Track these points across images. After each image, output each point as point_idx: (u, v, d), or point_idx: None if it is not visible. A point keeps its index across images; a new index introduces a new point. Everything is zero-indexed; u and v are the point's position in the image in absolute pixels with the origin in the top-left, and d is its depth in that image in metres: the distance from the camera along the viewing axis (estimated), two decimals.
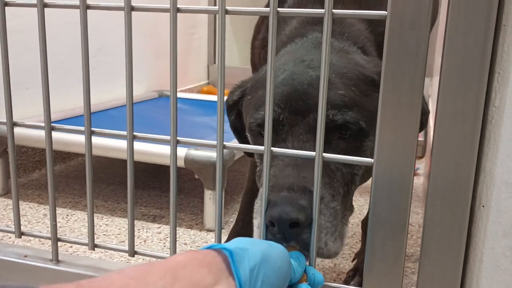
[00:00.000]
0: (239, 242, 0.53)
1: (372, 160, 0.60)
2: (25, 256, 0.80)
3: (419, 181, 1.75)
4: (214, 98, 2.24)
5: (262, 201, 0.64)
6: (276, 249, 0.56)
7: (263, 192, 0.64)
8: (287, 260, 0.56)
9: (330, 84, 0.70)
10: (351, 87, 0.71)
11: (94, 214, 1.38)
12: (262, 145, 0.65)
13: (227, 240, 1.09)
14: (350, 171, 0.72)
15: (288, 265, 0.56)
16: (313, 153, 0.62)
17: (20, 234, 0.82)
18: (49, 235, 0.79)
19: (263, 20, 1.06)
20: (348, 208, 0.73)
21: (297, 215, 0.60)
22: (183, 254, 0.49)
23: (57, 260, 0.79)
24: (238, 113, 0.87)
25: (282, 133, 0.71)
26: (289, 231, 0.61)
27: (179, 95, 2.24)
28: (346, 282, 1.01)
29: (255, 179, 0.84)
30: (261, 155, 0.70)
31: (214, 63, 3.00)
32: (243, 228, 1.08)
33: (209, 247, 0.52)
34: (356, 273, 1.03)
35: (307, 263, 0.63)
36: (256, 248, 0.52)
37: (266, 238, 0.64)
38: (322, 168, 0.62)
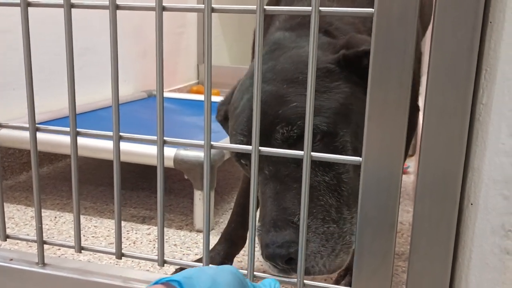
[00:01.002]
0: (186, 272, 0.52)
1: (360, 158, 0.60)
2: (11, 259, 0.79)
3: (409, 179, 1.76)
4: (203, 97, 2.23)
5: (251, 215, 0.64)
6: (227, 272, 0.54)
7: (251, 199, 0.64)
8: (239, 281, 0.54)
9: (282, 98, 0.70)
10: (303, 92, 0.69)
11: (83, 216, 1.37)
12: (248, 173, 0.70)
13: (219, 241, 1.09)
14: (334, 174, 0.70)
15: (240, 283, 0.53)
16: (301, 153, 0.61)
17: (5, 237, 0.80)
18: (35, 238, 0.77)
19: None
20: (348, 205, 0.71)
21: (288, 252, 0.65)
22: None
23: (43, 263, 0.78)
24: (225, 113, 0.88)
25: (260, 161, 0.70)
26: (288, 266, 0.66)
27: (168, 95, 2.23)
28: (337, 281, 1.00)
29: (249, 180, 0.83)
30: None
31: (204, 62, 2.99)
32: (235, 230, 1.08)
33: (156, 282, 0.50)
34: (347, 273, 1.02)
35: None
36: (206, 274, 0.51)
37: (274, 270, 0.69)
38: (309, 167, 0.61)
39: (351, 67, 0.72)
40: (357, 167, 0.74)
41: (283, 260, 0.66)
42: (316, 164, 0.70)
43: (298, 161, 0.68)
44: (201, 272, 0.51)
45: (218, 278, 0.51)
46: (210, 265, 0.61)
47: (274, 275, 0.68)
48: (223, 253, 1.06)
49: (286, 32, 0.81)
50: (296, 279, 0.65)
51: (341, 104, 0.71)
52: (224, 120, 0.88)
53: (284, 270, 0.68)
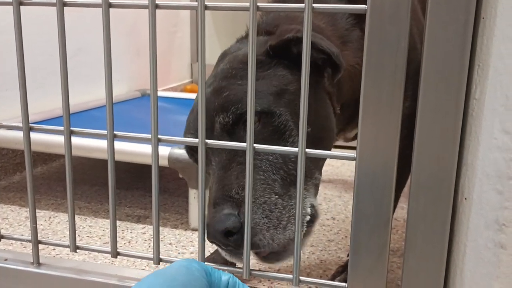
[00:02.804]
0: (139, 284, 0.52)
1: (354, 155, 0.60)
2: (5, 259, 0.79)
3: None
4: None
5: (246, 213, 0.64)
6: (163, 273, 0.53)
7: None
8: (184, 273, 0.53)
9: (218, 92, 0.75)
10: (237, 81, 0.74)
11: (78, 216, 1.37)
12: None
13: None
14: (279, 154, 0.72)
15: (189, 276, 0.53)
16: (296, 149, 0.61)
17: (0, 237, 0.80)
18: (29, 238, 0.77)
19: None
20: (305, 183, 0.72)
21: (225, 226, 0.65)
22: None
23: (38, 263, 0.77)
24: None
25: (207, 154, 0.74)
26: (229, 242, 0.66)
27: (162, 94, 2.22)
28: (334, 277, 1.01)
29: None
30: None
31: (197, 61, 2.98)
32: None
33: None
34: (345, 269, 1.03)
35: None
36: (148, 279, 0.51)
37: (223, 251, 0.70)
38: (304, 163, 0.61)
39: (280, 56, 0.77)
40: (309, 144, 0.75)
41: (221, 234, 0.65)
42: (259, 144, 0.71)
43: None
44: (147, 278, 0.51)
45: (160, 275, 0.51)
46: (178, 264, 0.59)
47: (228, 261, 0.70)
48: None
49: (234, 43, 0.89)
50: (291, 275, 0.65)
51: (274, 86, 0.74)
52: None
53: (233, 250, 0.68)
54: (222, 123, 0.73)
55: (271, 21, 0.87)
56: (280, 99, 0.74)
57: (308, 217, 0.72)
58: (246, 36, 0.89)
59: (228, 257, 0.71)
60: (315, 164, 0.77)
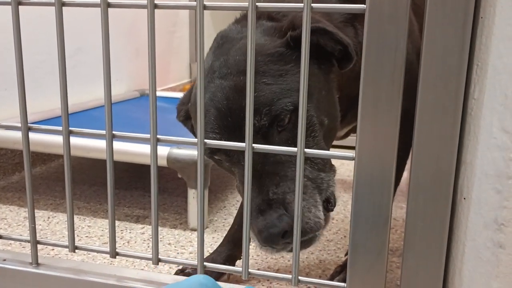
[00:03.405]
0: None
1: (353, 155, 0.60)
2: (4, 260, 0.79)
3: (403, 175, 1.76)
4: None
5: (245, 213, 0.65)
6: (188, 281, 0.53)
7: (245, 198, 0.64)
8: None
9: (242, 91, 0.70)
10: (262, 79, 0.71)
11: (77, 216, 1.37)
12: (222, 166, 0.76)
13: (222, 243, 1.08)
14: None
15: None
16: (294, 149, 0.61)
17: None
18: (28, 238, 0.77)
19: None
20: (330, 170, 0.75)
21: (281, 228, 0.66)
22: None
23: (37, 263, 0.77)
24: (187, 110, 0.90)
25: (234, 154, 0.74)
26: (286, 241, 0.68)
27: (161, 94, 2.22)
28: (333, 277, 1.01)
29: None
30: (229, 170, 0.79)
31: (197, 61, 2.98)
32: (237, 232, 1.07)
33: None
34: (344, 269, 1.03)
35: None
36: None
37: (268, 249, 0.71)
38: (302, 163, 0.61)
39: (300, 47, 0.74)
40: (324, 135, 0.76)
41: (279, 237, 0.67)
42: (289, 143, 0.72)
43: (268, 144, 0.71)
44: None
45: None
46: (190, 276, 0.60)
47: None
48: (224, 255, 1.06)
49: (232, 25, 0.83)
50: (290, 275, 0.65)
51: (298, 82, 0.72)
52: (185, 120, 0.90)
53: (281, 248, 0.70)
54: (256, 125, 0.71)
55: (272, 1, 0.84)
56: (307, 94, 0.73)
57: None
58: (244, 17, 0.84)
59: (275, 254, 0.72)
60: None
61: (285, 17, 0.81)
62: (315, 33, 0.72)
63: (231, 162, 0.76)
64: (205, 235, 1.27)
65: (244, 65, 0.72)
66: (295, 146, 0.70)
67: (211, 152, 0.77)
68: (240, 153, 0.72)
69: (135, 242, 1.23)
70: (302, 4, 0.57)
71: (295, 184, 0.62)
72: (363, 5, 0.56)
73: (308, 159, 0.73)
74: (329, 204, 0.75)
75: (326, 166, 0.75)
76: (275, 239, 0.67)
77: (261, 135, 0.72)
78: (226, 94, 0.72)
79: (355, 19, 0.87)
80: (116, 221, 1.33)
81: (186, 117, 0.89)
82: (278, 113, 0.70)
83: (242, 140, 0.69)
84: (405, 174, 1.77)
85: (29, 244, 0.77)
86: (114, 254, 0.74)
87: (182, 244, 1.22)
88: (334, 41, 0.74)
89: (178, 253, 1.18)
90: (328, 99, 0.78)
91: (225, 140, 0.72)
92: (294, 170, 0.69)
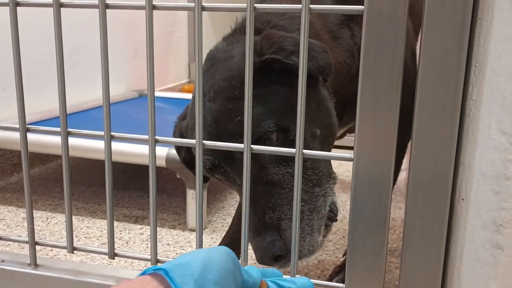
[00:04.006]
0: (177, 259, 0.49)
1: (352, 155, 0.60)
2: (3, 261, 0.79)
3: (401, 176, 1.76)
4: None
5: (244, 214, 0.66)
6: (218, 251, 0.51)
7: (243, 207, 0.65)
8: (233, 260, 0.51)
9: (227, 116, 0.73)
10: (242, 105, 0.68)
11: (75, 216, 1.36)
12: (223, 182, 0.78)
13: (221, 244, 1.08)
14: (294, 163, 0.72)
15: (236, 266, 0.51)
16: (293, 150, 0.61)
17: None
18: (27, 239, 0.77)
19: None
20: (327, 182, 0.75)
21: (272, 253, 0.68)
22: (117, 286, 0.46)
23: (35, 264, 0.77)
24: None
25: (228, 173, 0.76)
26: (278, 263, 0.70)
27: (160, 94, 2.22)
28: (331, 277, 1.01)
29: None
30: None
31: (195, 61, 2.98)
32: (236, 232, 1.07)
33: (144, 273, 0.48)
34: (342, 269, 1.03)
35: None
36: (196, 257, 0.48)
37: None
38: (301, 164, 0.61)
39: (271, 69, 0.74)
40: (319, 144, 0.75)
41: (271, 260, 0.69)
42: (275, 161, 0.73)
43: (259, 164, 0.73)
44: (192, 256, 0.49)
45: (209, 259, 0.48)
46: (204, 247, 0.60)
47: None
48: None
49: (220, 43, 0.84)
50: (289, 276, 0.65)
51: (282, 101, 0.74)
52: (180, 137, 0.90)
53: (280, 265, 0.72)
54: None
55: (262, 16, 0.84)
56: (290, 113, 0.72)
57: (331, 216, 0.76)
58: (233, 34, 0.85)
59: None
60: (330, 164, 0.79)
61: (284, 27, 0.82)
62: (271, 62, 0.73)
63: (228, 181, 0.78)
64: (203, 236, 1.27)
65: (227, 91, 0.75)
66: (285, 163, 0.73)
67: (210, 171, 0.78)
68: (235, 173, 0.75)
69: (134, 242, 1.22)
70: (300, 6, 0.57)
71: (291, 205, 0.65)
72: (361, 6, 0.56)
73: (302, 177, 0.71)
74: (331, 213, 0.75)
75: (322, 178, 0.75)
76: (268, 261, 0.69)
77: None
78: (215, 117, 0.74)
79: (351, 20, 0.87)
80: (115, 222, 1.33)
81: (181, 134, 0.90)
82: (262, 134, 0.72)
83: (232, 162, 0.73)
84: (404, 175, 1.77)
85: (28, 245, 0.77)
86: (112, 255, 0.74)
87: (181, 245, 1.22)
88: (291, 65, 0.72)
89: (177, 254, 1.18)
90: (320, 110, 0.77)
91: (217, 161, 0.74)
92: (288, 192, 0.72)
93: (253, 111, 0.70)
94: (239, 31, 0.84)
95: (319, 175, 0.75)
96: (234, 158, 0.74)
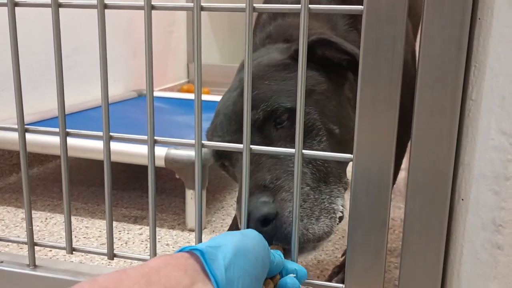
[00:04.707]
0: (212, 240, 0.52)
1: (352, 156, 0.60)
2: (1, 261, 0.78)
3: (400, 176, 1.76)
4: (193, 96, 2.22)
5: (242, 203, 0.65)
6: (251, 238, 0.54)
7: (243, 194, 0.64)
8: (263, 246, 0.54)
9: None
10: (265, 82, 0.75)
11: (74, 217, 1.36)
12: (229, 174, 0.78)
13: None
14: (307, 148, 0.73)
15: (265, 251, 0.54)
16: (292, 150, 0.61)
17: None
18: (25, 239, 0.77)
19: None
20: (326, 179, 0.73)
21: (261, 212, 0.64)
22: (156, 259, 0.48)
23: (34, 265, 0.77)
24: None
25: (235, 156, 0.76)
26: (265, 229, 0.64)
27: (158, 94, 2.22)
28: (331, 277, 1.01)
29: None
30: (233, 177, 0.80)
31: (194, 61, 2.98)
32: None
33: (181, 250, 0.51)
34: (342, 270, 1.03)
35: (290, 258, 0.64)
36: (229, 242, 0.51)
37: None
38: (300, 164, 0.61)
39: (311, 56, 0.75)
40: (335, 144, 0.75)
41: (259, 222, 0.64)
42: (288, 141, 0.73)
43: (269, 140, 0.73)
44: (226, 239, 0.52)
45: (242, 246, 0.51)
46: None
47: None
48: None
49: (256, 52, 0.87)
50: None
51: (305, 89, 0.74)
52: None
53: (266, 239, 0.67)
54: (252, 119, 0.72)
55: (284, 29, 0.88)
56: (308, 98, 0.74)
57: (339, 213, 0.72)
58: (264, 41, 0.89)
59: None
60: (342, 168, 0.77)
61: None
62: (320, 44, 0.75)
63: (233, 166, 0.78)
64: (203, 236, 1.26)
65: (252, 76, 0.74)
66: (293, 143, 0.70)
67: (217, 158, 0.80)
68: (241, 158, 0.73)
69: (133, 243, 1.22)
70: (299, 6, 0.57)
71: (293, 182, 0.62)
72: (360, 6, 0.56)
73: (310, 164, 0.72)
74: (334, 214, 0.72)
75: (329, 176, 0.73)
76: (254, 222, 0.65)
77: (256, 128, 0.74)
78: (233, 100, 0.77)
79: (358, 22, 0.88)
80: (114, 222, 1.33)
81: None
82: (275, 108, 0.72)
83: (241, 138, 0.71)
84: (403, 174, 1.77)
85: (26, 245, 0.77)
86: (111, 255, 0.74)
87: (180, 245, 1.22)
88: (339, 52, 0.76)
89: None
90: (340, 110, 0.79)
91: (231, 141, 0.74)
92: (292, 166, 0.68)
93: (271, 87, 0.74)
94: (270, 38, 0.89)
95: (327, 170, 0.73)
96: (242, 134, 0.73)
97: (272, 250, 0.58)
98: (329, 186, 0.73)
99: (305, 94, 0.73)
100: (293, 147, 0.70)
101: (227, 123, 0.77)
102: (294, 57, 0.77)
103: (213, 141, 0.77)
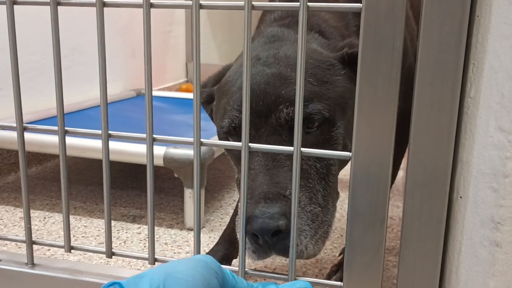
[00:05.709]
0: (146, 271, 0.51)
1: (350, 153, 0.60)
2: (0, 260, 0.78)
3: (399, 175, 1.76)
4: (192, 96, 2.22)
5: (241, 205, 0.64)
6: (186, 261, 0.53)
7: (241, 195, 0.64)
8: (205, 266, 0.52)
9: (285, 80, 0.71)
10: (308, 78, 0.72)
11: (73, 216, 1.36)
12: (232, 153, 0.72)
13: (218, 242, 1.08)
14: (325, 164, 0.72)
15: (209, 271, 0.52)
16: (291, 148, 0.61)
17: None
18: (24, 238, 0.77)
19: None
20: (332, 198, 0.73)
21: (277, 224, 0.64)
22: None
23: (32, 264, 0.77)
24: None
25: (249, 137, 0.72)
26: (272, 239, 0.65)
27: (157, 93, 2.22)
28: (329, 276, 1.01)
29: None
30: (237, 159, 0.74)
31: (192, 60, 2.98)
32: (234, 231, 1.07)
33: (105, 286, 0.50)
34: (340, 268, 1.03)
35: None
36: (159, 269, 0.50)
37: (251, 248, 0.67)
38: (299, 166, 0.61)
39: (351, 65, 0.75)
40: (342, 163, 0.75)
41: (270, 232, 0.64)
42: (308, 145, 0.71)
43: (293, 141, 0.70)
44: (158, 269, 0.51)
45: (173, 270, 0.50)
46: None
47: (250, 257, 0.68)
48: (221, 254, 1.06)
49: (283, 28, 0.83)
50: (287, 275, 0.65)
51: (340, 96, 0.73)
52: (206, 103, 0.88)
53: (263, 248, 0.66)
54: (289, 115, 0.70)
55: (312, 19, 0.85)
56: (342, 110, 0.73)
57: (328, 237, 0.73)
58: (294, 23, 0.83)
59: (251, 255, 0.68)
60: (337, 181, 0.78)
61: (332, 37, 0.83)
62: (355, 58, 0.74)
63: (255, 138, 0.72)
64: (201, 235, 1.26)
65: (294, 61, 0.73)
66: (317, 158, 0.70)
67: (226, 132, 0.75)
68: (261, 138, 0.71)
69: (132, 242, 1.22)
70: (298, 3, 0.57)
71: (307, 197, 0.64)
72: (359, 4, 0.56)
73: (323, 180, 0.72)
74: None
75: (334, 192, 0.74)
76: (265, 232, 0.64)
77: (288, 126, 0.71)
78: (267, 79, 0.72)
79: None
80: (113, 221, 1.33)
81: (208, 101, 0.87)
82: (313, 113, 0.70)
83: (265, 125, 0.70)
84: (402, 173, 1.77)
85: (25, 244, 0.77)
86: (110, 254, 0.73)
87: (178, 244, 1.22)
88: None
89: (174, 253, 1.18)
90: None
91: (250, 122, 0.69)
92: (310, 182, 0.69)
93: (314, 88, 0.71)
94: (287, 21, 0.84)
95: (333, 186, 0.73)
96: (271, 123, 0.70)
97: (238, 277, 0.57)
98: (334, 204, 0.74)
99: (341, 106, 0.73)
100: (315, 159, 0.70)
101: (253, 101, 0.70)
102: (344, 59, 0.75)
103: (229, 113, 0.73)
